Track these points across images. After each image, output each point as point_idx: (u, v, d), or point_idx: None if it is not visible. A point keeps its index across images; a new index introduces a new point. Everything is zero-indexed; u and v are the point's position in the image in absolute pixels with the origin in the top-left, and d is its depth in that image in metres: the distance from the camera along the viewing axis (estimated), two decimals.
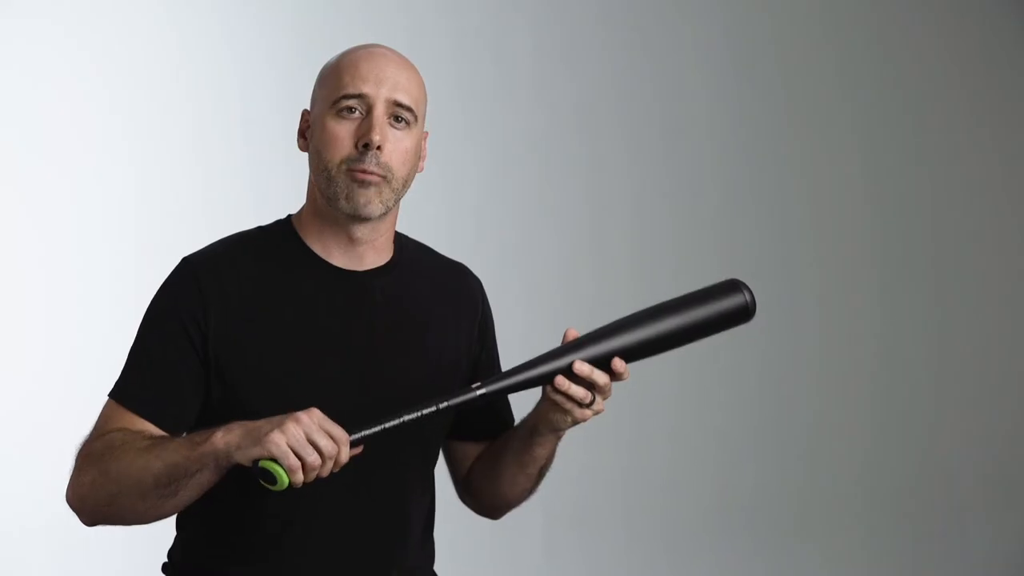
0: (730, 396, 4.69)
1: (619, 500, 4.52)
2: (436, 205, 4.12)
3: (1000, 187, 5.06)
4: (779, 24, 4.79)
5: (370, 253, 1.89)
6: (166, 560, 1.93)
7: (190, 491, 1.72)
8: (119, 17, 3.84)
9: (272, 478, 1.64)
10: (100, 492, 1.76)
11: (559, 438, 1.88)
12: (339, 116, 1.81)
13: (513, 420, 2.03)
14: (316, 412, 1.65)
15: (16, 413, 3.71)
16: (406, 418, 1.71)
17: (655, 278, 4.47)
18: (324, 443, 1.63)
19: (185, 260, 1.87)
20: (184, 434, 1.83)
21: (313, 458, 1.63)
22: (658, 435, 4.59)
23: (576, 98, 4.52)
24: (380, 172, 1.80)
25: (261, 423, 1.66)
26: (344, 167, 1.80)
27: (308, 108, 1.90)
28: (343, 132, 1.81)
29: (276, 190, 3.78)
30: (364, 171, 1.80)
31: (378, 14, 4.17)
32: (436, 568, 2.00)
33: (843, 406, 4.83)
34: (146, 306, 1.87)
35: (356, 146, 1.80)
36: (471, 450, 2.02)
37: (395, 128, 1.82)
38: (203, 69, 3.94)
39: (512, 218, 4.42)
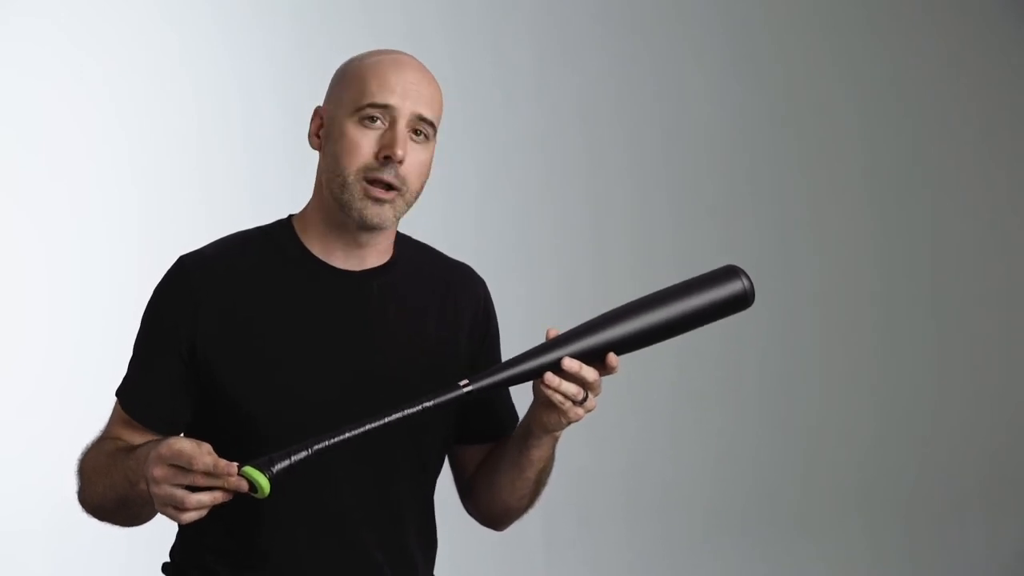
0: (730, 396, 4.69)
1: (619, 500, 4.52)
2: (436, 205, 4.11)
3: (1001, 184, 5.05)
4: (780, 23, 4.79)
5: (371, 255, 1.89)
6: (167, 560, 1.94)
7: (155, 509, 1.77)
8: (119, 17, 3.84)
9: (254, 488, 1.63)
10: (89, 504, 1.84)
11: (556, 440, 1.85)
12: (361, 124, 1.80)
13: (516, 420, 1.99)
14: (163, 458, 1.63)
15: (17, 413, 3.71)
16: (389, 419, 1.66)
17: (656, 278, 4.45)
18: (191, 481, 1.62)
19: (179, 260, 1.88)
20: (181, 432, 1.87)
21: (192, 500, 1.62)
22: (658, 435, 4.58)
23: (576, 98, 4.52)
24: (397, 184, 1.80)
25: (141, 478, 1.69)
26: (361, 175, 1.79)
27: (322, 105, 1.88)
28: (364, 140, 1.80)
29: (276, 190, 3.79)
30: (380, 182, 1.79)
31: (378, 14, 4.17)
32: (435, 567, 2.00)
33: (843, 406, 4.82)
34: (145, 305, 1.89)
35: (376, 156, 1.79)
36: (473, 453, 2.00)
37: (415, 141, 1.82)
38: (203, 69, 3.94)
39: (512, 218, 4.42)
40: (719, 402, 4.67)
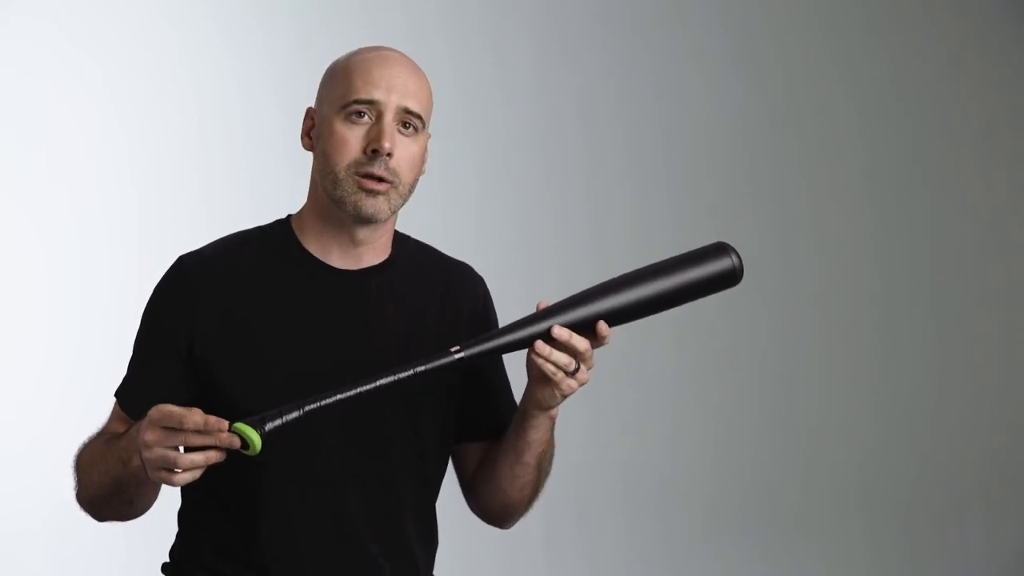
0: (729, 396, 4.69)
1: (619, 499, 4.52)
2: (436, 205, 4.12)
3: (1001, 184, 5.06)
4: (780, 23, 4.79)
5: (369, 253, 1.89)
6: (167, 560, 1.94)
7: (150, 493, 1.79)
8: (119, 17, 3.84)
9: (246, 444, 1.63)
10: (86, 497, 1.85)
11: (552, 421, 1.86)
12: (348, 120, 1.82)
13: None
14: (154, 422, 1.64)
15: (17, 413, 3.71)
16: (382, 382, 1.68)
17: None
18: (183, 440, 1.63)
19: (179, 260, 1.89)
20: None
21: (184, 460, 1.63)
22: (658, 435, 4.59)
23: (576, 98, 4.52)
24: (388, 177, 1.81)
25: (133, 453, 1.69)
26: (352, 171, 1.80)
27: (313, 107, 1.89)
28: (352, 136, 1.81)
29: (276, 190, 3.78)
30: (372, 176, 1.80)
31: (378, 14, 4.17)
32: (436, 565, 2.00)
33: (843, 406, 4.83)
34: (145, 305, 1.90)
35: (365, 151, 1.81)
36: (476, 451, 2.00)
37: (403, 134, 1.83)
38: (203, 69, 3.94)
39: (512, 218, 4.42)
40: (719, 402, 4.67)
